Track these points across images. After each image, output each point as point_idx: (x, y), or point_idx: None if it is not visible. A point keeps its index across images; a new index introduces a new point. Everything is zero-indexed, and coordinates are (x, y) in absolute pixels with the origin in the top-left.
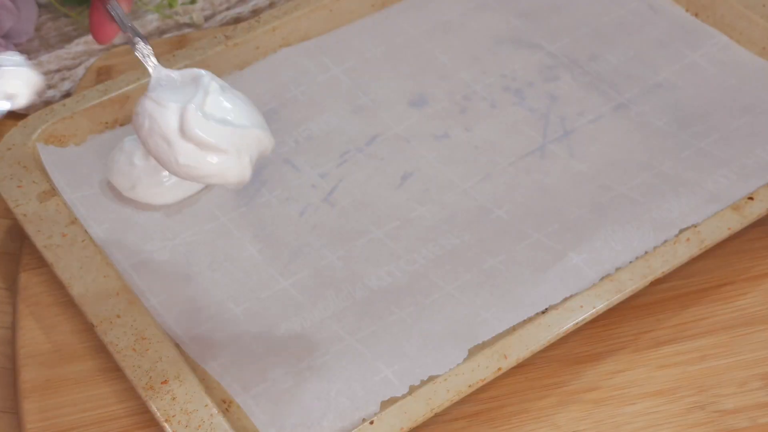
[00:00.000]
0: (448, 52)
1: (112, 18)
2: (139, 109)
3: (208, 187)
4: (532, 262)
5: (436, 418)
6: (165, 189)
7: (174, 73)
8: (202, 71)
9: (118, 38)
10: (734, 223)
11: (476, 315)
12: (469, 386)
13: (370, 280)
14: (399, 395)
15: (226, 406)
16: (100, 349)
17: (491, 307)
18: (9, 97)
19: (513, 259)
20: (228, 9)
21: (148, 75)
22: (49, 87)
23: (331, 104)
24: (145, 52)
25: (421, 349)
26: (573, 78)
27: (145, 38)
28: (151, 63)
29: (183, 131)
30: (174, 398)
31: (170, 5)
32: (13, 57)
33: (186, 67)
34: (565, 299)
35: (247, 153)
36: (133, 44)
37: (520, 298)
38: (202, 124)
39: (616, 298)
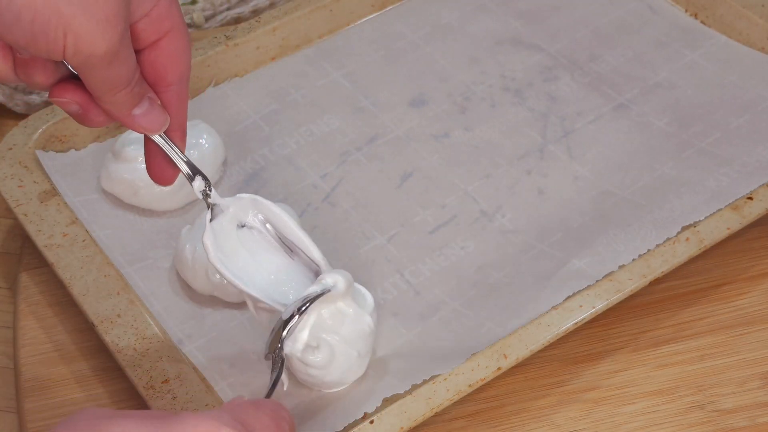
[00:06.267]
0: (447, 54)
1: (166, 156)
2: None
3: None
4: (536, 272)
5: (436, 418)
6: (168, 194)
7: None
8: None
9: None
10: (733, 223)
11: (481, 325)
12: (469, 386)
13: (375, 293)
14: (401, 392)
15: None
16: (101, 349)
17: (495, 317)
18: None
19: (517, 271)
20: (228, 9)
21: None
22: None
23: (332, 107)
24: (203, 188)
25: (425, 353)
26: (573, 78)
27: (204, 174)
28: (210, 201)
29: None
30: (174, 398)
31: None
32: None
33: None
34: (565, 299)
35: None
36: (191, 182)
37: (524, 306)
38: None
39: (615, 298)
